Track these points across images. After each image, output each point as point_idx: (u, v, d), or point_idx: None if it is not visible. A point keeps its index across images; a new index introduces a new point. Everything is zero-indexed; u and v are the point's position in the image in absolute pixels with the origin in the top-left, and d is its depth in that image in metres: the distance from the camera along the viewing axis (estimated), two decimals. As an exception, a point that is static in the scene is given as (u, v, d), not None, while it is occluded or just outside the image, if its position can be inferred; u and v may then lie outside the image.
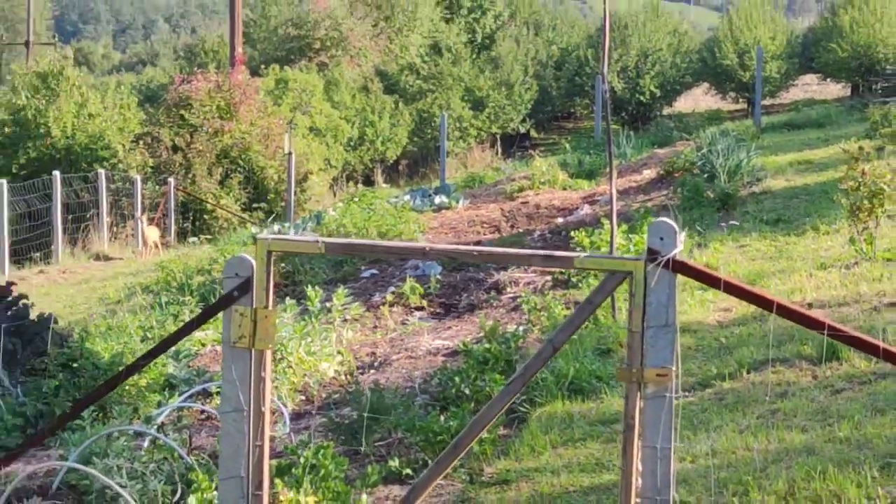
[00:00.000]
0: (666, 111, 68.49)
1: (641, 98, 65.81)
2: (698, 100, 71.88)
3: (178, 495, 14.42)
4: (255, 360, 9.05)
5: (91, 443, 15.94)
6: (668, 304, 8.58)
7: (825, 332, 8.90)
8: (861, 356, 14.86)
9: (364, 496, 13.35)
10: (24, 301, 20.55)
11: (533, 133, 68.42)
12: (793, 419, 14.17)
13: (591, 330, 19.73)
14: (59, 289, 36.24)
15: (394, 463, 15.14)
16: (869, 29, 62.09)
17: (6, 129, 51.00)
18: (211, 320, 12.31)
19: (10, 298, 20.45)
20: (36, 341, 19.85)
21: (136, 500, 14.29)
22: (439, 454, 14.16)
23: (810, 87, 69.42)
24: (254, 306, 9.05)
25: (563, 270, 22.51)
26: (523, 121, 68.08)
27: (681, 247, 8.75)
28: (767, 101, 60.17)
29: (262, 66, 59.44)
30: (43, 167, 45.87)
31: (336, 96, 58.51)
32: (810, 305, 18.35)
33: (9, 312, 19.94)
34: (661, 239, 8.58)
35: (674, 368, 8.69)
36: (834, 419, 13.90)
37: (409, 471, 14.98)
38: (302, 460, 13.36)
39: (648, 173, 37.05)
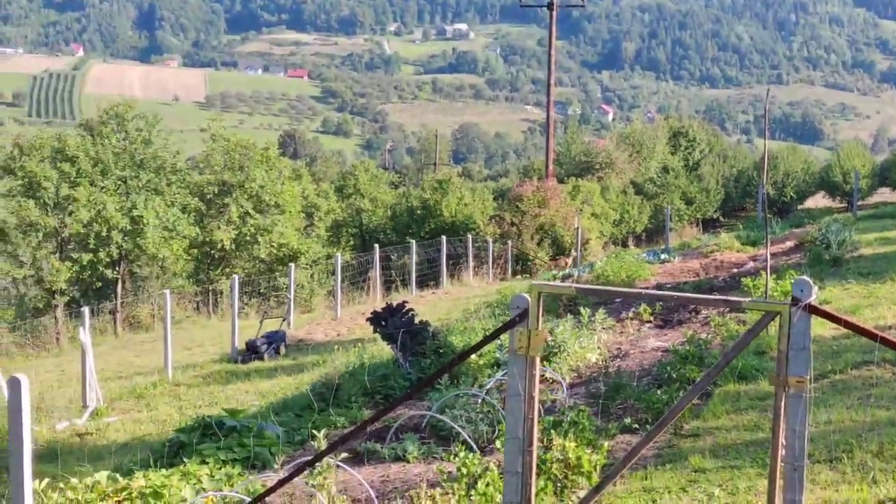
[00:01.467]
0: (799, 207, 67.50)
1: (785, 199, 65.47)
2: (818, 201, 70.80)
3: (495, 434, 13.56)
4: (530, 363, 8.20)
5: (445, 400, 15.78)
6: (804, 335, 7.68)
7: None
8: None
9: (606, 442, 12.46)
10: (412, 311, 20.05)
11: (721, 218, 67.30)
12: (881, 401, 13.29)
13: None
14: (441, 303, 35.94)
15: (627, 420, 14.48)
16: None
17: (418, 211, 51.46)
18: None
19: (404, 310, 19.92)
20: (418, 337, 19.35)
21: (469, 436, 13.74)
22: (658, 417, 13.17)
23: (885, 194, 67.87)
24: (528, 328, 8.01)
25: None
26: (715, 211, 67.09)
27: (815, 297, 7.71)
28: (860, 203, 58.81)
29: (566, 178, 59.09)
30: (438, 233, 46.08)
31: (607, 196, 58.23)
32: (890, 328, 17.22)
33: (403, 318, 19.48)
34: (802, 290, 7.64)
35: (808, 377, 7.60)
36: None
37: (636, 426, 14.21)
38: (567, 418, 12.89)
39: (789, 244, 35.98)
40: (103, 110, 44.31)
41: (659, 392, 15.13)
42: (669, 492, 10.96)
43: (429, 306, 34.14)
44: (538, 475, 11.25)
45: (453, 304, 35.11)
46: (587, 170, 64.21)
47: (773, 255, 30.33)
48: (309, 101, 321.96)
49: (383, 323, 19.73)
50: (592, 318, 21.44)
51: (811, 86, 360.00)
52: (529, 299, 8.28)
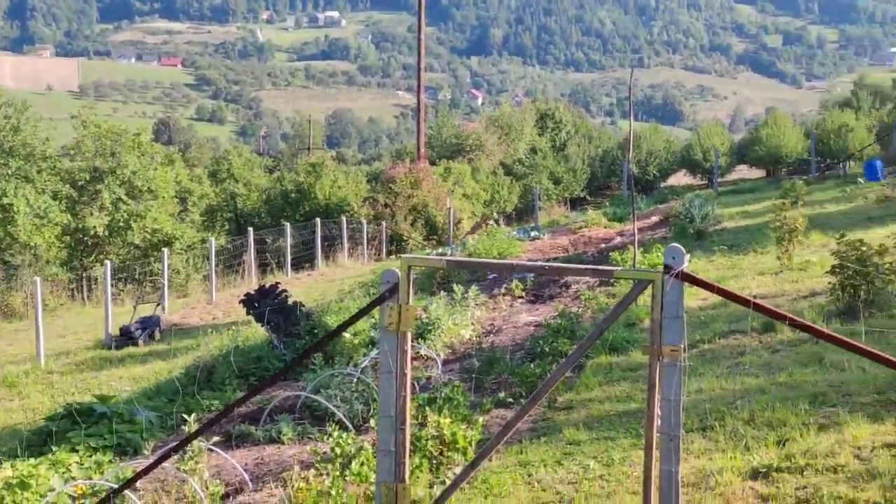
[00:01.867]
0: (662, 184, 68.07)
1: (648, 177, 65.88)
2: (680, 179, 71.53)
3: (370, 412, 13.32)
4: (401, 339, 7.74)
5: (320, 380, 15.45)
6: (678, 303, 7.34)
7: (757, 310, 7.47)
8: (789, 329, 13.51)
9: (481, 418, 12.27)
10: (285, 292, 19.59)
11: (587, 197, 67.51)
12: (749, 369, 13.15)
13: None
14: (317, 285, 35.50)
15: (501, 395, 14.29)
16: (776, 139, 62.48)
17: (293, 195, 50.76)
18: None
19: (277, 292, 19.41)
20: (292, 317, 18.84)
21: (344, 416, 13.39)
22: (531, 390, 12.89)
23: (743, 171, 69.04)
24: (399, 303, 7.58)
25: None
26: (582, 190, 67.22)
27: (687, 264, 7.35)
28: (720, 179, 59.67)
29: (437, 160, 58.66)
30: (312, 215, 45.42)
31: (477, 177, 57.98)
32: (755, 297, 17.11)
33: (276, 300, 18.99)
34: (674, 258, 7.28)
35: (682, 346, 7.30)
36: (775, 369, 12.93)
37: (510, 400, 13.99)
38: (442, 395, 12.62)
39: (654, 219, 36.23)
40: (-30, 99, 42.84)
41: (532, 366, 14.93)
42: (545, 465, 10.68)
43: (304, 288, 33.70)
44: (413, 453, 10.90)
45: (329, 286, 34.66)
46: (458, 152, 63.86)
47: (640, 230, 30.40)
48: (183, 90, 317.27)
49: (256, 305, 19.24)
50: (466, 295, 21.19)
51: (671, 69, 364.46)
52: (399, 274, 7.89)
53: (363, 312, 8.42)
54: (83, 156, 44.98)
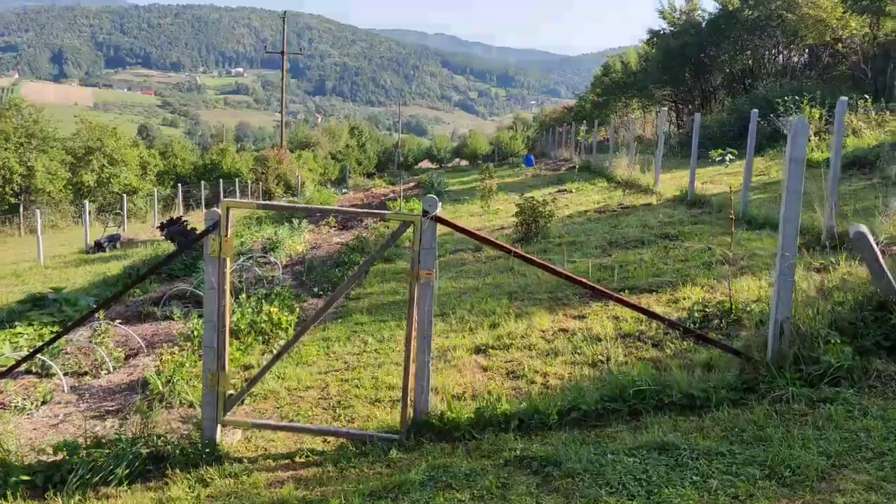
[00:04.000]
0: (416, 167, 65.73)
1: (409, 163, 63.92)
2: (426, 164, 68.94)
3: (236, 299, 10.58)
4: (222, 263, 5.16)
5: (202, 278, 12.12)
6: (432, 238, 5.09)
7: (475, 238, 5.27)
8: (491, 249, 11.63)
9: (298, 308, 9.63)
10: (186, 222, 16.46)
11: (376, 173, 64.55)
12: (468, 274, 10.91)
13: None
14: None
15: (315, 289, 11.59)
16: (475, 145, 62.11)
17: (209, 166, 46.36)
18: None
19: (181, 222, 16.22)
20: (189, 237, 15.67)
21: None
22: (335, 287, 10.49)
23: (458, 162, 67.27)
24: (220, 236, 5.04)
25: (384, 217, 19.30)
26: (373, 169, 64.43)
27: (440, 209, 5.09)
28: (449, 166, 57.95)
29: (294, 150, 54.96)
30: (220, 178, 41.32)
31: (317, 160, 54.62)
32: (478, 230, 15.12)
33: (179, 227, 15.81)
34: (430, 205, 4.95)
35: (435, 271, 4.99)
36: (484, 275, 10.75)
37: (321, 293, 11.40)
38: (274, 291, 10.05)
39: (412, 184, 34.06)
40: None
41: (336, 271, 12.45)
42: (339, 340, 8.38)
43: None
44: (250, 333, 8.52)
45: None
46: (306, 146, 60.49)
47: (405, 190, 28.22)
48: (155, 109, 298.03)
49: (166, 230, 16.12)
50: (300, 226, 18.58)
51: (420, 107, 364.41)
52: (220, 213, 5.42)
53: (197, 239, 5.79)
54: (80, 138, 40.03)
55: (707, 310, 6.73)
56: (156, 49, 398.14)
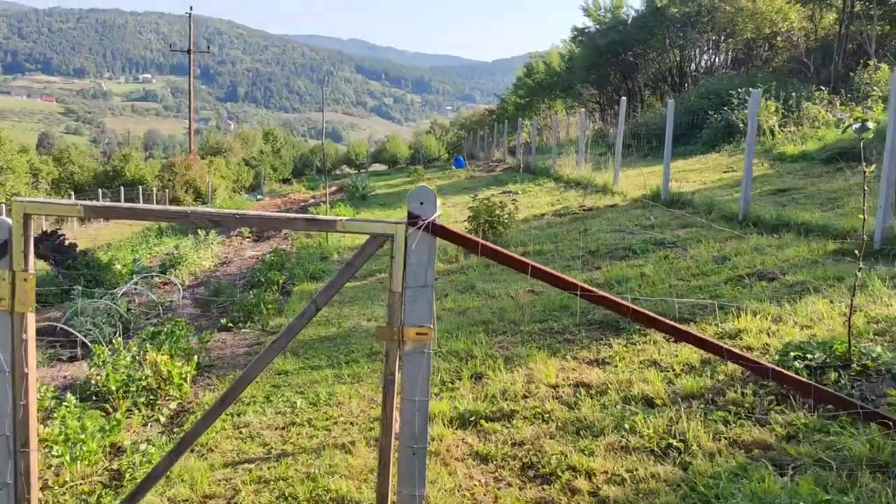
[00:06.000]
0: (335, 172, 62.90)
1: (328, 168, 60.77)
2: (344, 169, 66.29)
3: (116, 333, 7.93)
4: (17, 323, 2.43)
5: (76, 308, 9.51)
6: (427, 266, 2.53)
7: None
8: (441, 261, 9.29)
9: (200, 349, 7.01)
10: (63, 236, 13.61)
11: (293, 178, 61.40)
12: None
13: (318, 246, 13.67)
14: (118, 229, 28.57)
15: (223, 320, 9.02)
16: (394, 150, 60.25)
17: (111, 172, 42.52)
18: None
19: (56, 236, 13.36)
20: (68, 255, 12.86)
21: (98, 338, 7.70)
22: (248, 315, 8.00)
23: (377, 167, 64.31)
24: (12, 269, 2.40)
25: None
26: (289, 175, 61.41)
27: (440, 211, 2.63)
28: (368, 171, 55.64)
29: (205, 156, 51.30)
30: (124, 185, 37.79)
31: (229, 167, 51.38)
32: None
33: (56, 242, 12.97)
34: (422, 203, 2.54)
35: (432, 327, 2.50)
36: (439, 295, 8.39)
37: (230, 325, 8.84)
38: (164, 329, 7.06)
39: (334, 188, 31.21)
40: None
41: (251, 294, 9.69)
42: (254, 401, 5.85)
43: (110, 231, 27.23)
44: (127, 397, 5.92)
45: (127, 230, 27.78)
46: (218, 152, 56.87)
47: (326, 196, 25.64)
48: (57, 116, 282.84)
49: (39, 246, 13.13)
50: (208, 236, 15.78)
51: (335, 113, 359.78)
52: (12, 225, 2.85)
53: None
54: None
55: (807, 355, 4.53)
56: (57, 54, 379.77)
